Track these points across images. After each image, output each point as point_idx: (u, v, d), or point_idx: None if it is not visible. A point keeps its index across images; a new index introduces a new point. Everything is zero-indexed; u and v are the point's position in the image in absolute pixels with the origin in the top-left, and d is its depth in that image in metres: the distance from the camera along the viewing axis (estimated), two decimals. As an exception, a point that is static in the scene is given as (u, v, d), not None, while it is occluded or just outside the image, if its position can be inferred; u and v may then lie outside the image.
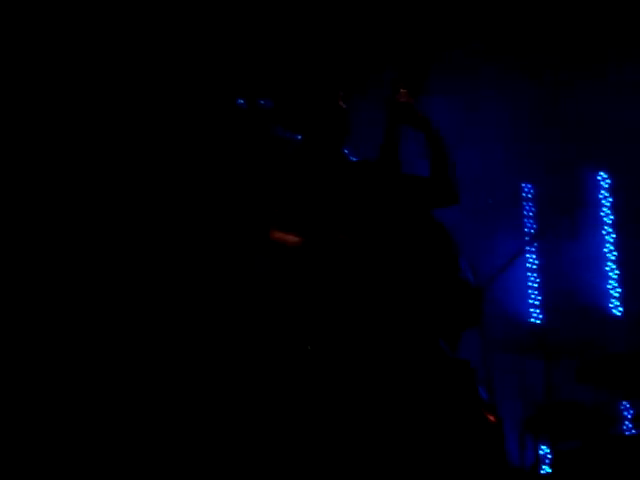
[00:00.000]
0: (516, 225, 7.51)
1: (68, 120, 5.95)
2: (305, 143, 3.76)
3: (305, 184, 3.61)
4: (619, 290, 7.26)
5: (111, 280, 5.93)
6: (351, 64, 6.23)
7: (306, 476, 3.30)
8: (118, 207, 6.03)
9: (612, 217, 7.34)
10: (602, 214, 7.38)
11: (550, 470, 6.03)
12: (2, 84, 5.72)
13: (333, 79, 3.76)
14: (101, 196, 5.99)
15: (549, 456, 6.65)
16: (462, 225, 3.79)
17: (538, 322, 7.43)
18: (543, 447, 6.72)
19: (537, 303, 7.49)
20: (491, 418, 4.24)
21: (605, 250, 7.34)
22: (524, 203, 7.66)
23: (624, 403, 6.92)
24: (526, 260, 7.47)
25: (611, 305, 7.25)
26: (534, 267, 7.55)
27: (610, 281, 7.29)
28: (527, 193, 7.68)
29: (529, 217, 7.64)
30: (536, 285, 7.52)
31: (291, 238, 3.49)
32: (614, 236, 7.33)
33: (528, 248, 7.41)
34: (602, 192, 7.40)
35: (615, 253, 7.32)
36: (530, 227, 7.60)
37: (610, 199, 7.38)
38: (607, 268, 7.31)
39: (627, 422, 6.92)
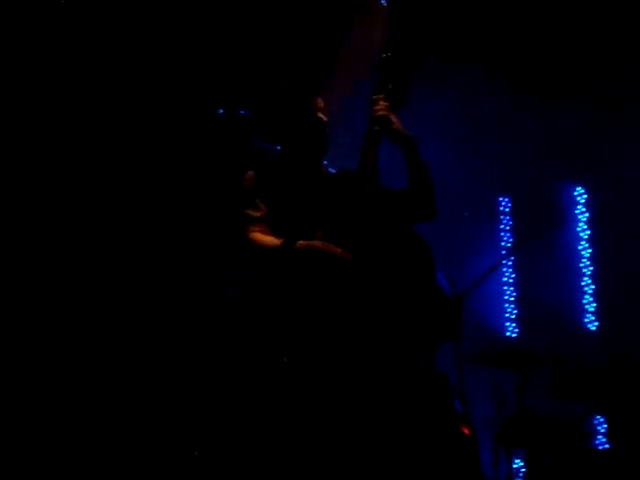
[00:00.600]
0: (493, 238, 7.54)
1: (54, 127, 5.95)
2: (284, 154, 3.75)
3: (283, 194, 3.60)
4: (594, 305, 7.28)
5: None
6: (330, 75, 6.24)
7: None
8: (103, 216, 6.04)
9: (588, 232, 7.38)
10: (578, 229, 7.41)
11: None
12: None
13: (313, 89, 3.75)
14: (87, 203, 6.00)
15: (522, 469, 6.67)
16: (439, 238, 3.78)
17: (514, 335, 7.46)
18: (517, 460, 6.75)
19: (513, 317, 7.52)
20: (466, 431, 4.26)
21: (581, 265, 7.38)
22: (501, 217, 7.70)
23: (597, 417, 6.95)
24: (502, 274, 7.49)
25: (586, 320, 7.27)
26: (510, 280, 7.58)
27: (586, 296, 7.32)
28: (504, 207, 7.72)
29: (505, 230, 7.67)
30: (512, 299, 7.55)
31: (270, 244, 3.48)
32: (590, 251, 7.36)
33: (504, 262, 7.43)
34: (579, 207, 7.44)
35: (591, 268, 7.35)
36: (506, 240, 7.63)
37: (586, 214, 7.41)
38: (583, 283, 7.35)
39: (600, 436, 6.95)
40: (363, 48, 6.25)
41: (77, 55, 6.01)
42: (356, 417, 3.25)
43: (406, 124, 3.60)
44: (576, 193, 7.47)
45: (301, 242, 3.38)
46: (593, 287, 7.32)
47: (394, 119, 3.55)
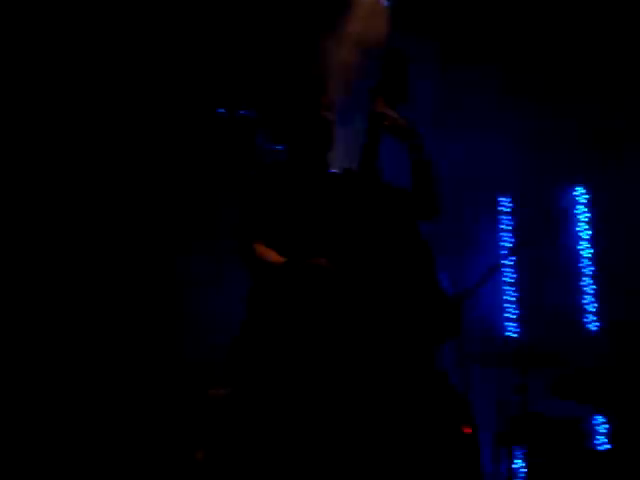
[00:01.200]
0: (493, 238, 7.54)
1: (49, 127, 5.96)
2: (289, 153, 3.74)
3: (288, 194, 3.59)
4: (595, 305, 7.29)
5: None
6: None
7: None
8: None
9: (589, 232, 7.38)
10: (579, 229, 7.42)
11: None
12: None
13: (318, 87, 3.73)
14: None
15: (523, 469, 6.67)
16: (440, 237, 3.78)
17: (514, 336, 7.46)
18: (517, 460, 6.75)
19: (514, 317, 7.52)
20: (467, 430, 4.27)
21: (581, 265, 7.38)
22: (501, 217, 7.70)
23: (598, 418, 6.95)
24: (503, 274, 7.49)
25: (587, 320, 7.28)
26: (511, 281, 7.58)
27: (586, 296, 7.33)
28: (504, 207, 7.72)
29: (506, 230, 7.67)
30: (513, 299, 7.55)
31: (272, 260, 3.47)
32: (591, 251, 7.36)
33: (505, 262, 7.43)
34: (579, 207, 7.44)
35: (592, 268, 7.36)
36: (507, 240, 7.63)
37: (587, 214, 7.42)
38: (583, 283, 7.35)
39: (600, 437, 6.95)
40: (360, 46, 6.23)
41: (78, 54, 6.02)
42: (357, 417, 3.25)
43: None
44: (577, 193, 7.47)
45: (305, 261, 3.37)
46: (594, 287, 7.33)
47: (393, 115, 3.53)
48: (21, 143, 5.88)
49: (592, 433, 6.85)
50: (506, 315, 7.51)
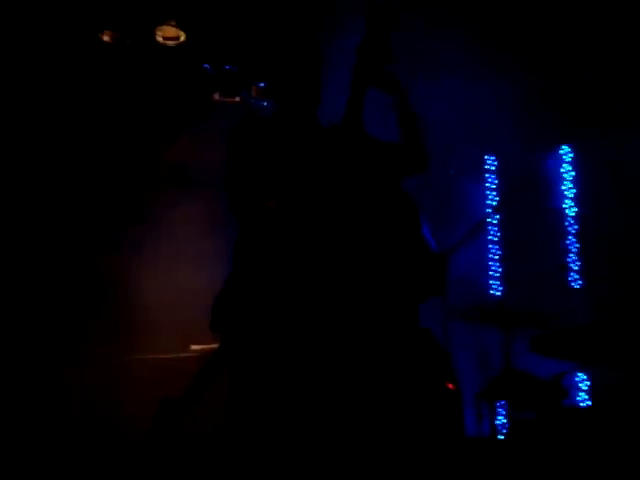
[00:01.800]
0: (478, 196, 7.56)
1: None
2: (275, 107, 3.71)
3: (274, 147, 3.56)
4: (579, 264, 7.32)
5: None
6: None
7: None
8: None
9: (574, 191, 7.40)
10: (564, 188, 7.43)
11: (504, 439, 6.10)
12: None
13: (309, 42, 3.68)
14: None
15: (505, 426, 6.74)
16: (424, 194, 3.77)
17: (498, 294, 7.50)
18: (499, 417, 6.81)
19: (497, 275, 7.56)
20: (450, 386, 4.29)
21: (566, 224, 7.40)
22: (486, 175, 7.71)
23: (579, 375, 7.02)
24: (487, 232, 7.52)
25: (570, 278, 7.31)
26: (495, 239, 7.61)
27: (570, 255, 7.36)
28: (490, 165, 7.73)
29: (491, 189, 7.68)
30: (497, 257, 7.58)
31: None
32: (575, 210, 7.39)
33: (489, 220, 7.45)
34: (564, 166, 7.45)
35: (576, 227, 7.38)
36: (492, 199, 7.65)
37: (572, 173, 7.43)
38: (567, 242, 7.38)
39: (582, 393, 7.02)
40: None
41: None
42: (339, 372, 3.27)
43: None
44: (562, 152, 7.48)
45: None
46: (577, 246, 7.36)
47: (382, 68, 3.50)
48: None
49: (574, 390, 6.92)
50: (490, 273, 7.54)
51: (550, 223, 7.38)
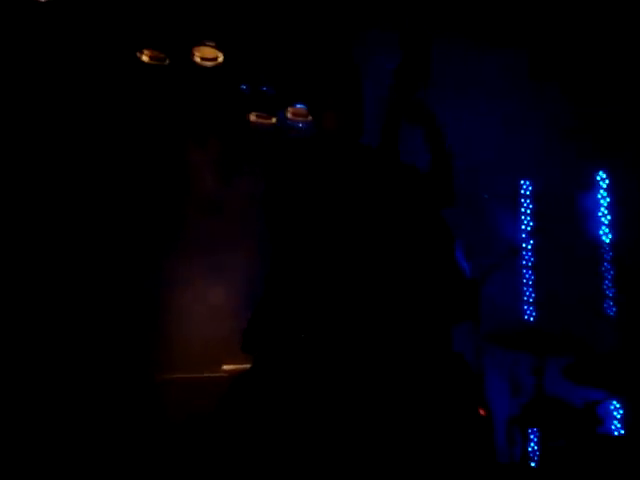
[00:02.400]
0: (513, 221, 7.53)
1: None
2: (311, 130, 3.72)
3: (313, 170, 3.56)
4: (613, 290, 7.27)
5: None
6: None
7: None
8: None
9: (609, 217, 7.35)
10: (599, 214, 7.39)
11: (536, 466, 6.06)
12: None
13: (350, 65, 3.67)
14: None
15: (537, 452, 6.68)
16: (459, 218, 3.76)
17: (531, 319, 7.45)
18: (531, 444, 6.76)
19: (531, 300, 7.51)
20: (482, 412, 4.27)
21: (601, 250, 7.36)
22: (522, 200, 7.68)
23: (613, 402, 6.95)
24: (522, 257, 7.49)
25: (605, 305, 7.26)
26: (529, 264, 7.57)
27: (605, 282, 7.31)
28: (525, 190, 7.70)
29: (526, 214, 7.65)
30: (530, 282, 7.55)
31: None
32: (610, 236, 7.34)
33: (524, 245, 7.42)
34: (601, 192, 7.41)
35: (611, 253, 7.34)
36: (527, 224, 7.62)
37: (608, 199, 7.39)
38: (602, 268, 7.33)
39: (615, 422, 6.96)
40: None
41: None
42: (372, 396, 3.26)
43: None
44: (598, 178, 7.44)
45: None
46: (612, 273, 7.31)
47: (414, 101, 3.48)
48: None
49: (607, 418, 6.85)
50: (524, 298, 7.50)
51: (585, 249, 7.33)
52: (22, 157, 5.81)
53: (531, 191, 7.69)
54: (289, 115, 6.63)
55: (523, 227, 7.60)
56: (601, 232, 7.35)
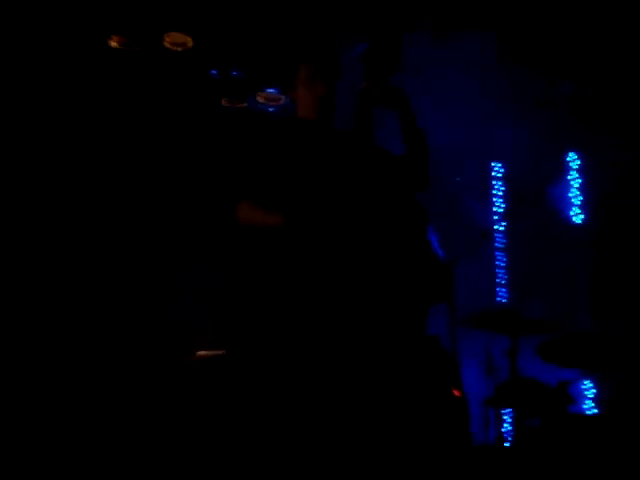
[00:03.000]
0: (484, 204, 7.55)
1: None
2: (280, 114, 3.73)
3: (283, 153, 3.56)
4: (585, 271, 7.32)
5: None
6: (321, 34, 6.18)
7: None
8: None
9: (580, 198, 7.39)
10: (571, 195, 7.42)
11: (511, 446, 6.09)
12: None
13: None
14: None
15: (511, 433, 6.72)
16: (431, 202, 3.76)
17: (504, 301, 7.49)
18: (505, 425, 6.80)
19: (504, 282, 7.55)
20: (456, 393, 4.29)
21: (574, 232, 7.40)
22: (493, 182, 7.70)
23: (585, 382, 7.01)
24: (494, 239, 7.51)
25: (577, 285, 7.31)
26: (501, 246, 7.60)
27: (577, 262, 7.35)
28: (497, 172, 7.72)
29: (497, 196, 7.68)
30: (503, 264, 7.58)
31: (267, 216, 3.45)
32: (582, 217, 7.38)
33: (496, 227, 7.45)
34: (571, 172, 7.45)
35: (582, 234, 7.38)
36: (499, 206, 7.64)
37: (579, 180, 7.42)
38: (575, 249, 7.37)
39: (588, 401, 7.02)
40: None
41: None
42: (345, 379, 3.27)
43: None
44: (569, 159, 7.47)
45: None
46: (584, 253, 7.35)
47: (378, 89, 3.48)
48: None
49: (580, 397, 6.91)
50: (497, 280, 7.54)
51: (557, 230, 7.37)
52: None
53: (502, 173, 7.71)
54: (260, 100, 6.61)
55: (495, 209, 7.62)
56: (572, 213, 7.39)
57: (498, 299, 7.50)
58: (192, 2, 6.25)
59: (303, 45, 3.68)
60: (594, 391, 7.02)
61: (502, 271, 7.56)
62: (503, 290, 7.53)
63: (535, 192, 7.16)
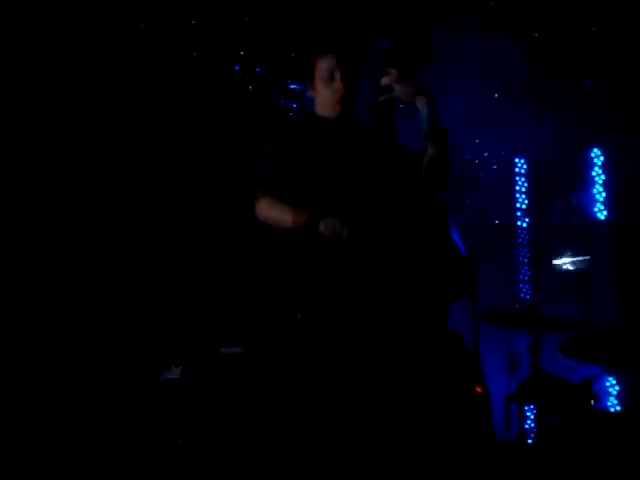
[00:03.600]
0: (508, 200, 7.54)
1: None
2: (305, 110, 3.72)
3: (302, 152, 3.55)
4: (609, 267, 7.30)
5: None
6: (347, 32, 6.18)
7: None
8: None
9: (604, 194, 7.36)
10: (595, 191, 7.39)
11: (533, 443, 6.08)
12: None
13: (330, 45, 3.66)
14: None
15: (534, 429, 6.71)
16: (454, 198, 3.76)
17: (527, 297, 7.47)
18: (528, 421, 6.78)
19: (527, 279, 7.53)
20: (478, 389, 4.28)
21: (597, 228, 7.37)
22: (516, 178, 7.68)
23: (609, 379, 6.98)
24: (517, 235, 7.50)
25: (600, 282, 7.28)
26: (525, 242, 7.58)
27: (600, 258, 7.33)
28: (520, 168, 7.70)
29: (521, 192, 7.66)
30: (526, 261, 7.56)
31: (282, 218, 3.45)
32: (606, 213, 7.35)
33: (519, 223, 7.43)
34: (595, 169, 7.41)
35: (605, 230, 7.35)
36: (522, 202, 7.62)
37: (603, 176, 7.39)
38: (597, 245, 7.35)
39: (612, 398, 6.99)
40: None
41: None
42: (368, 375, 3.27)
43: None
44: (593, 155, 7.44)
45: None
46: (607, 249, 7.33)
47: (400, 86, 3.46)
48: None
49: (603, 394, 6.89)
50: (520, 277, 7.52)
51: (580, 226, 7.35)
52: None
53: (526, 169, 7.69)
54: (282, 95, 6.62)
55: (518, 205, 7.61)
56: (596, 209, 7.36)
57: (521, 295, 7.48)
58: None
59: (322, 39, 3.64)
60: (617, 388, 6.98)
61: (525, 267, 7.54)
62: (526, 286, 7.51)
63: (558, 188, 7.14)
